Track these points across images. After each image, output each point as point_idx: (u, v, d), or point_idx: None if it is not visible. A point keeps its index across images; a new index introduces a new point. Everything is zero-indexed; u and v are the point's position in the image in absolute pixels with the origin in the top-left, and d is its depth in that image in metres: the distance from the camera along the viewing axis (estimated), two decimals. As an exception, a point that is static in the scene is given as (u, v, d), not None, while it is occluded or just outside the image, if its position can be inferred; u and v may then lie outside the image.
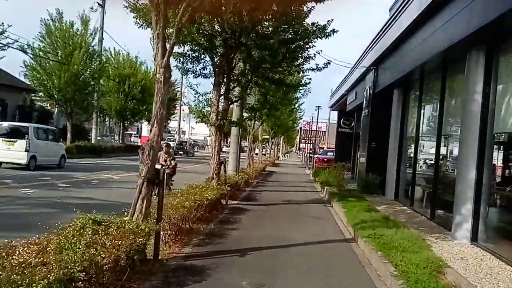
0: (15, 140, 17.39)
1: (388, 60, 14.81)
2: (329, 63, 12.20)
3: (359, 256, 7.31)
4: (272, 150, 47.25)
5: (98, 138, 37.46)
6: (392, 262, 6.31)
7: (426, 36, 10.60)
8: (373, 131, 16.69)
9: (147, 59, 33.34)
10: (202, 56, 11.51)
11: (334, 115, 43.29)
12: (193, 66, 11.98)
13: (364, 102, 17.86)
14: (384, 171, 15.89)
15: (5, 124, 19.42)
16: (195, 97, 12.23)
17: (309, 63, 12.02)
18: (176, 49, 11.70)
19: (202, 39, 10.68)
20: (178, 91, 51.06)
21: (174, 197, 8.17)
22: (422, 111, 12.75)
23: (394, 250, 6.87)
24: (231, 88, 12.15)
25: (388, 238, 7.51)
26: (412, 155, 13.58)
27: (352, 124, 34.53)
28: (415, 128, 13.07)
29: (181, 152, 46.62)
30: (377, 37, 15.10)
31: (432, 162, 12.02)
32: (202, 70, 11.95)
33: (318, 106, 38.27)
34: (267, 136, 43.14)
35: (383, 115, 16.19)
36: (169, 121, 53.56)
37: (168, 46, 6.29)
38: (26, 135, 17.65)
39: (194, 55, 11.48)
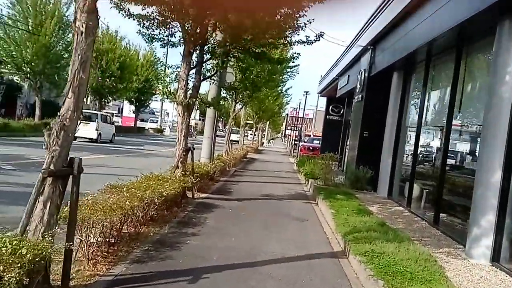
0: (88, 122, 25.57)
1: (389, 38, 12.96)
2: (321, 35, 10.28)
3: (351, 281, 5.52)
4: (256, 136, 45.38)
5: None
6: (400, 300, 4.54)
7: (440, 6, 8.76)
8: (367, 119, 14.90)
9: (127, 34, 31.20)
10: (169, 20, 9.51)
11: (322, 102, 41.59)
12: (159, 32, 10.01)
13: (358, 86, 16.04)
14: (376, 165, 14.18)
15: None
16: (161, 70, 10.23)
17: (298, 34, 10.08)
18: (139, 10, 9.80)
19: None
20: (162, 70, 48.63)
21: (115, 193, 6.31)
22: (427, 97, 10.96)
23: (400, 277, 5.12)
24: (204, 60, 10.22)
25: (390, 258, 5.75)
26: (412, 147, 11.82)
27: (342, 112, 32.88)
28: (417, 117, 11.29)
29: None
30: (377, 11, 13.20)
31: (437, 156, 10.31)
32: (169, 37, 9.97)
33: (306, 91, 36.29)
34: (251, 122, 41.23)
35: (378, 102, 14.44)
36: (150, 101, 51.24)
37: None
38: (96, 119, 26.52)
39: (160, 18, 9.49)
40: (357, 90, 16.20)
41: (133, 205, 5.98)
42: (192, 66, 9.85)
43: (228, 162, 17.47)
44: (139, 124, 57.46)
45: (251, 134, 46.42)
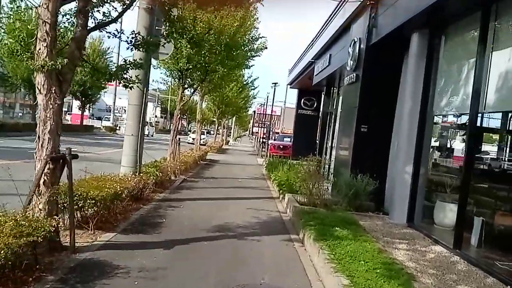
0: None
1: (404, -18, 8.53)
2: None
3: None
4: (219, 134, 40.56)
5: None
6: None
7: None
8: (365, 107, 10.44)
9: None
10: None
11: (291, 97, 37.09)
12: None
13: (349, 63, 11.55)
14: (381, 172, 9.85)
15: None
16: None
17: None
18: None
19: None
20: (111, 61, 43.13)
21: None
22: (487, 64, 6.50)
23: None
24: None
25: None
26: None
27: (315, 105, 28.87)
28: (469, 98, 6.80)
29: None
30: None
31: None
32: None
33: (275, 83, 31.67)
34: (214, 118, 36.52)
35: (383, 81, 10.11)
36: (98, 96, 45.65)
37: None
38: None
39: None
40: (348, 68, 11.70)
41: None
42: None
43: (172, 169, 12.70)
44: (90, 122, 51.98)
45: (208, 133, 41.46)
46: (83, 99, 41.71)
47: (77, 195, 5.96)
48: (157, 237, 6.49)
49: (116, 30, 5.91)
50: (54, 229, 4.58)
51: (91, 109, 58.74)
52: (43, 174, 5.01)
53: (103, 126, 52.61)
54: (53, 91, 5.03)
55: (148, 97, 36.32)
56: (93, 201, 6.05)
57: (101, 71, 5.95)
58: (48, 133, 5.04)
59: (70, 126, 41.47)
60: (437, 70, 8.30)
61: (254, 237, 7.01)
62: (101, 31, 5.71)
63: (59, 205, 5.59)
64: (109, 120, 57.20)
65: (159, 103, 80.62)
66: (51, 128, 5.04)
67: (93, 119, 63.99)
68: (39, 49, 4.96)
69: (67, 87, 5.24)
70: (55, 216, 4.85)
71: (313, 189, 9.46)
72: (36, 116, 5.23)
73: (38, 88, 5.05)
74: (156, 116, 75.80)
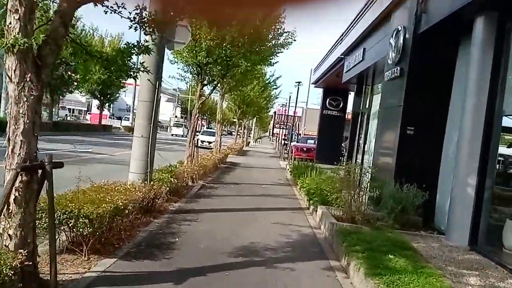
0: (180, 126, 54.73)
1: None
2: None
3: None
4: (239, 135, 39.26)
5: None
6: None
7: None
8: (411, 105, 9.03)
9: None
10: None
11: (313, 98, 35.49)
12: None
13: (391, 55, 10.12)
14: (432, 181, 8.41)
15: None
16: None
17: None
18: None
19: None
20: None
21: None
22: None
23: None
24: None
25: None
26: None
27: (341, 105, 27.61)
28: None
29: None
30: None
31: None
32: None
33: (298, 82, 30.27)
34: (234, 119, 35.34)
35: (433, 75, 8.70)
36: (117, 95, 44.79)
37: None
38: (182, 125, 56.45)
39: None
40: (389, 62, 10.26)
41: None
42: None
43: (190, 173, 11.46)
44: (110, 122, 51.40)
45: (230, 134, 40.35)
46: (102, 98, 40.89)
47: (66, 212, 4.77)
48: (166, 264, 5.21)
49: (116, 3, 4.65)
50: (13, 272, 3.30)
51: (111, 108, 58.30)
52: (13, 189, 3.78)
53: (122, 126, 52.01)
54: (27, 79, 3.78)
55: (169, 96, 35.75)
56: (87, 219, 4.82)
57: (96, 55, 4.68)
58: (20, 135, 3.80)
59: (88, 125, 40.83)
60: (508, 60, 6.84)
61: (286, 264, 5.66)
62: (96, 5, 4.47)
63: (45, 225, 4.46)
64: (128, 120, 56.57)
65: (179, 103, 79.74)
66: (25, 128, 3.80)
67: (113, 118, 63.57)
68: (10, 23, 3.73)
69: (47, 73, 3.99)
70: (21, 250, 3.59)
71: (352, 201, 8.07)
72: (6, 112, 4.02)
73: (8, 75, 3.81)
74: (176, 117, 74.97)
